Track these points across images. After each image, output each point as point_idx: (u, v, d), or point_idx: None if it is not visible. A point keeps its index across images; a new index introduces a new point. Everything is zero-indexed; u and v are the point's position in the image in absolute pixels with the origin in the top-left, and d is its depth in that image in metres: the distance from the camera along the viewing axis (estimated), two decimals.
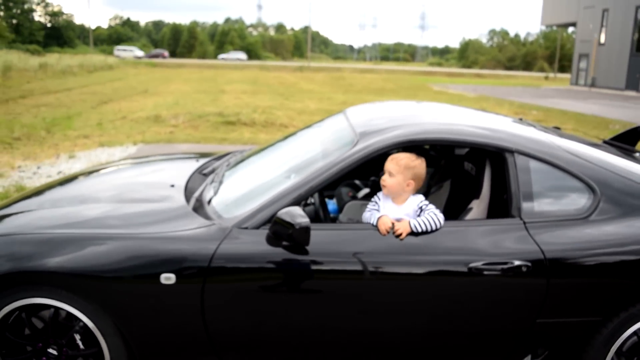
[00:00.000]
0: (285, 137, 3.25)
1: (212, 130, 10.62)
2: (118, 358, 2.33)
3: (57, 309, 2.31)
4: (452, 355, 2.43)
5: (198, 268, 2.20)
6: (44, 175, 6.66)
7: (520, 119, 3.12)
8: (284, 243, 2.20)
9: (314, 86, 25.58)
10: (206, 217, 2.40)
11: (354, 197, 3.50)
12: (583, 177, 2.40)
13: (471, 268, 2.24)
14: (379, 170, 3.65)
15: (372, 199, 2.49)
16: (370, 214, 2.42)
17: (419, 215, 2.35)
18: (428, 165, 3.25)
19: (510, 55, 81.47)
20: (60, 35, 67.25)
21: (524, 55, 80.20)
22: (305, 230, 2.09)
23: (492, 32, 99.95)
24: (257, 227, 2.27)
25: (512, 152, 2.43)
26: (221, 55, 69.37)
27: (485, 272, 2.24)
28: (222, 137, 9.82)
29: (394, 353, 2.40)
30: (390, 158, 2.43)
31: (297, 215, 2.11)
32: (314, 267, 2.24)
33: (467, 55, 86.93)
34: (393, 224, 2.30)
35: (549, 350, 2.40)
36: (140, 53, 63.20)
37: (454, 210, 2.65)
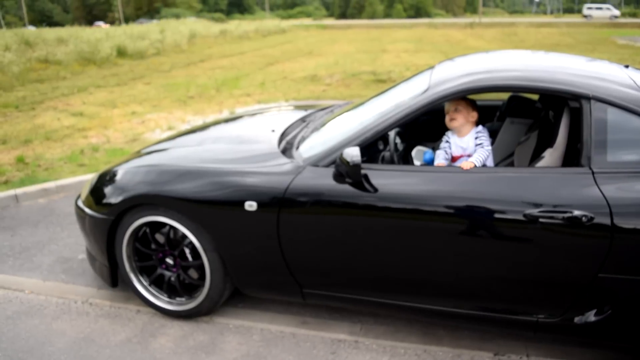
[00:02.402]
0: (383, 91, 3.40)
1: (363, 88, 10.91)
2: (216, 271, 2.81)
3: (171, 226, 2.86)
4: (514, 302, 2.46)
5: (274, 198, 2.54)
6: None
7: (627, 66, 2.88)
8: (347, 180, 2.43)
9: (481, 43, 24.38)
10: (290, 157, 2.72)
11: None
12: None
13: (527, 215, 2.24)
14: (482, 122, 3.65)
15: (443, 139, 2.78)
16: (441, 151, 2.81)
17: (478, 144, 2.69)
18: (532, 117, 3.19)
19: None
20: (241, 2, 72.38)
21: None
22: (356, 167, 2.30)
23: None
24: (327, 166, 2.53)
25: (588, 98, 2.33)
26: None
27: (541, 220, 2.23)
28: (370, 94, 10.09)
29: (452, 294, 2.52)
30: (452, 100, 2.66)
31: (353, 154, 2.32)
32: (373, 203, 2.43)
33: None
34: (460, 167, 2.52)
35: (615, 308, 2.31)
36: (616, 12, 53.00)
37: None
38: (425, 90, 2.56)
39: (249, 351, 2.75)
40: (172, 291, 3.02)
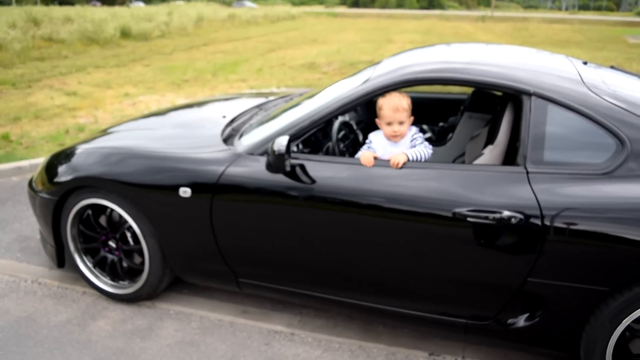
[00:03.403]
0: (335, 82, 3.34)
1: None
2: (155, 256, 2.79)
3: (111, 210, 2.84)
4: (444, 303, 2.41)
5: (207, 185, 2.51)
6: None
7: (585, 63, 2.80)
8: (273, 169, 2.38)
9: (490, 37, 24.11)
10: (230, 144, 2.68)
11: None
12: (612, 127, 2.14)
13: (455, 213, 2.19)
14: (450, 116, 3.60)
15: (368, 140, 2.59)
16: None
17: (413, 147, 2.47)
18: (492, 112, 3.12)
19: None
20: None
21: None
22: (280, 157, 2.26)
23: None
24: (262, 154, 2.49)
25: (529, 94, 2.25)
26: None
27: (469, 219, 2.17)
28: None
29: (386, 291, 2.48)
30: (394, 108, 2.46)
31: (279, 144, 2.27)
32: (303, 194, 2.39)
33: None
34: (375, 157, 2.38)
35: (545, 314, 2.25)
36: None
37: None
38: (365, 82, 2.50)
39: (183, 338, 2.74)
40: (114, 274, 3.00)
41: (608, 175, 2.11)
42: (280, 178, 2.42)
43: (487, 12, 48.51)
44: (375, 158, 2.39)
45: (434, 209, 2.22)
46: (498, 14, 50.79)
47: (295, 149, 2.66)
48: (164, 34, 20.37)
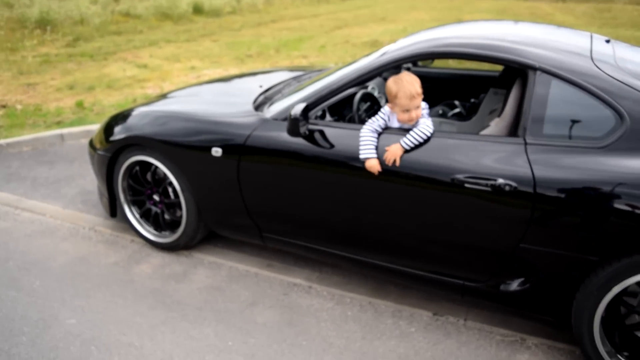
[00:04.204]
0: (365, 55, 3.50)
1: None
2: (190, 210, 3.12)
3: (155, 167, 3.18)
4: (444, 264, 2.57)
5: (236, 146, 2.78)
6: None
7: (608, 40, 2.82)
8: (289, 133, 2.59)
9: (568, 18, 22.98)
10: (260, 111, 2.93)
11: (443, 115, 3.64)
12: (612, 101, 2.20)
13: (453, 179, 2.33)
14: (482, 92, 3.69)
15: (381, 112, 2.58)
16: (372, 129, 2.54)
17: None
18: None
19: None
20: None
21: None
22: (295, 121, 2.48)
23: None
24: (284, 120, 2.72)
25: (535, 69, 2.34)
26: None
27: (466, 185, 2.31)
28: None
29: (394, 251, 2.66)
30: (410, 96, 2.44)
31: (296, 110, 2.49)
32: (319, 157, 2.61)
33: None
34: (378, 162, 2.46)
35: (535, 279, 2.37)
36: None
37: None
38: (382, 54, 2.67)
39: (212, 283, 3.06)
40: (157, 225, 3.36)
41: (605, 148, 2.17)
42: (300, 142, 2.64)
43: None
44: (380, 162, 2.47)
45: (436, 175, 2.38)
46: None
47: (319, 116, 2.86)
48: (235, 10, 20.90)
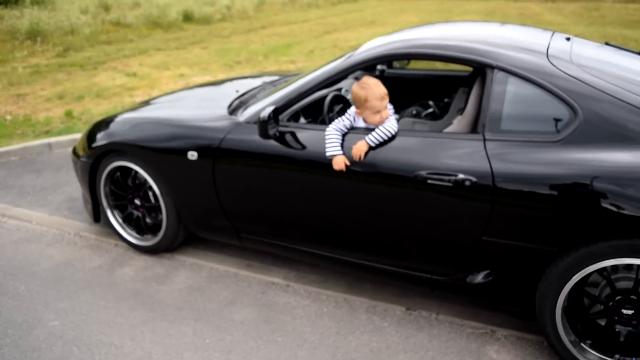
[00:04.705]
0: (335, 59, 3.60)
1: None
2: (170, 213, 3.21)
3: (135, 171, 3.26)
4: (410, 257, 2.66)
5: (210, 149, 2.87)
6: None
7: (568, 38, 2.92)
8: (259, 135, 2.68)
9: (557, 17, 23.20)
10: (234, 115, 3.02)
11: (417, 115, 3.74)
12: (565, 97, 2.29)
13: (417, 176, 2.43)
14: (452, 93, 3.79)
15: (347, 114, 2.68)
16: (338, 128, 2.63)
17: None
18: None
19: None
20: None
21: None
22: (263, 124, 2.58)
23: None
24: (256, 123, 2.81)
25: (492, 67, 2.44)
26: None
27: (429, 182, 2.41)
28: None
29: (365, 247, 2.75)
30: (380, 97, 2.55)
31: (265, 113, 2.59)
32: (290, 158, 2.70)
33: None
34: (345, 158, 2.56)
35: (499, 271, 2.46)
36: None
37: None
38: (348, 57, 2.77)
39: (193, 284, 3.14)
40: (139, 228, 3.45)
41: (560, 142, 2.27)
42: (272, 144, 2.74)
43: None
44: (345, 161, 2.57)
45: (401, 172, 2.47)
46: None
47: (292, 118, 2.96)
48: (225, 17, 21.02)
